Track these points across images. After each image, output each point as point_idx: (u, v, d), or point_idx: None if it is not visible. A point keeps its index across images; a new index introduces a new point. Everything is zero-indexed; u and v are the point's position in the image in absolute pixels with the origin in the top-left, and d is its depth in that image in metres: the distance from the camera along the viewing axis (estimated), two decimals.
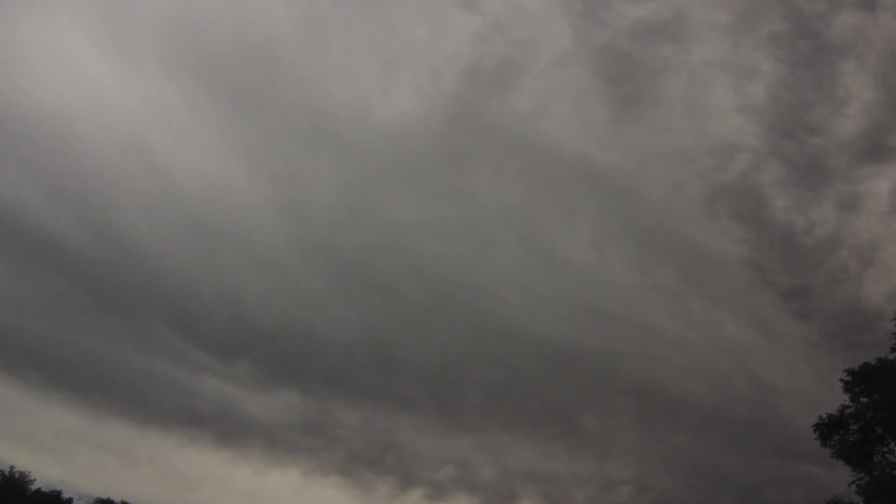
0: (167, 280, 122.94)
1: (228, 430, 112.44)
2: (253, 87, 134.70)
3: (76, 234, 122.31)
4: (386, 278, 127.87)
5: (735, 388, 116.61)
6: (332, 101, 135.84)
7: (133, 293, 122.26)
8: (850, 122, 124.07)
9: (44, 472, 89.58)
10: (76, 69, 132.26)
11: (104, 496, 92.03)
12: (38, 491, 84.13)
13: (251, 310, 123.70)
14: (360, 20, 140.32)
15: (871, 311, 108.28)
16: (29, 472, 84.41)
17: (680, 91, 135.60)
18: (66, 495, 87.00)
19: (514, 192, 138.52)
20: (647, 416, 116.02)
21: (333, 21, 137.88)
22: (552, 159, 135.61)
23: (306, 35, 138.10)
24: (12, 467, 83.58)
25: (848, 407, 36.28)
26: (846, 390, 36.47)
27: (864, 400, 35.89)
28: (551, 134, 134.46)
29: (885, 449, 35.16)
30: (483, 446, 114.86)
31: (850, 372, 36.62)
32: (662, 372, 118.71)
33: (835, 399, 37.35)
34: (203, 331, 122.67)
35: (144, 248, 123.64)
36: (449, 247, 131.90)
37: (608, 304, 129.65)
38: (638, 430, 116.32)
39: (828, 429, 36.57)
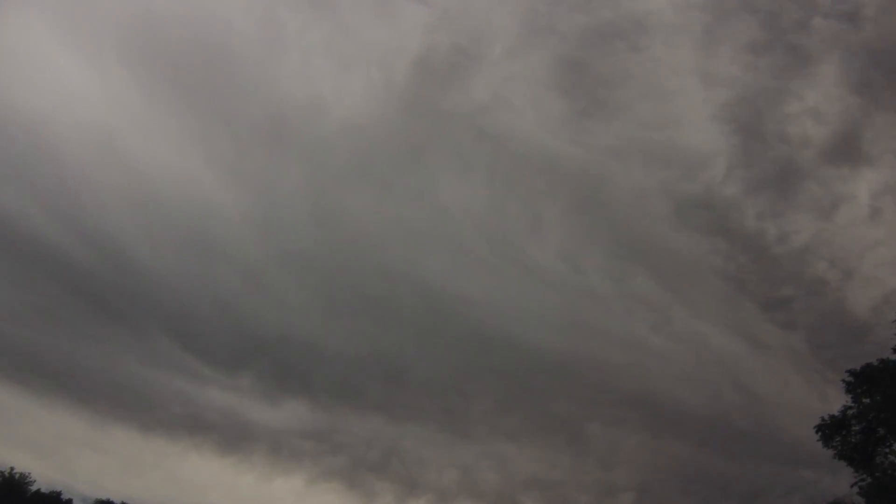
0: (163, 291, 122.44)
1: (233, 436, 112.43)
2: (222, 95, 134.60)
3: (65, 240, 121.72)
4: (365, 292, 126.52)
5: (728, 399, 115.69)
6: (294, 103, 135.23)
7: (130, 303, 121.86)
8: (825, 129, 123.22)
9: (48, 477, 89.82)
10: (52, 74, 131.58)
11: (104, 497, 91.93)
12: (37, 492, 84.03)
13: (249, 322, 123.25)
14: (315, 20, 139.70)
15: (857, 320, 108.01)
16: (29, 474, 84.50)
17: (648, 96, 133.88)
18: (65, 497, 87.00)
19: (479, 195, 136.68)
20: (645, 425, 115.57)
21: (291, 24, 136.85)
22: (515, 156, 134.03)
23: (265, 38, 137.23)
24: (12, 468, 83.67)
25: (850, 408, 36.11)
26: (848, 391, 36.30)
27: (866, 401, 35.75)
28: (512, 127, 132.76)
29: (888, 450, 35.00)
30: (487, 455, 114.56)
31: (852, 373, 36.47)
32: (655, 384, 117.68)
33: (827, 408, 37.38)
34: (204, 343, 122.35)
35: (134, 257, 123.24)
36: (423, 258, 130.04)
37: (590, 316, 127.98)
38: (638, 439, 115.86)
39: (830, 430, 36.37)
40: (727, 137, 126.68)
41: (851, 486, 35.61)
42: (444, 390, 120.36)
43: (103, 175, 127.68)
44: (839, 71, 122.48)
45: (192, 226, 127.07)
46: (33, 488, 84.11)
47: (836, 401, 37.58)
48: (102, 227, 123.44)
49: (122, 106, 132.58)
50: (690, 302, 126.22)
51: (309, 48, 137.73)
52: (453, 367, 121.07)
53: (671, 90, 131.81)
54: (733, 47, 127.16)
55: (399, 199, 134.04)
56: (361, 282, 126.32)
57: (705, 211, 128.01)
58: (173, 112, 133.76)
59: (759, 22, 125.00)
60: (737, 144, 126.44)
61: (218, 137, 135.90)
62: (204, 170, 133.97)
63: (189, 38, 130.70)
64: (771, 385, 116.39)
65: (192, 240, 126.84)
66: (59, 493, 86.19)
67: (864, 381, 35.98)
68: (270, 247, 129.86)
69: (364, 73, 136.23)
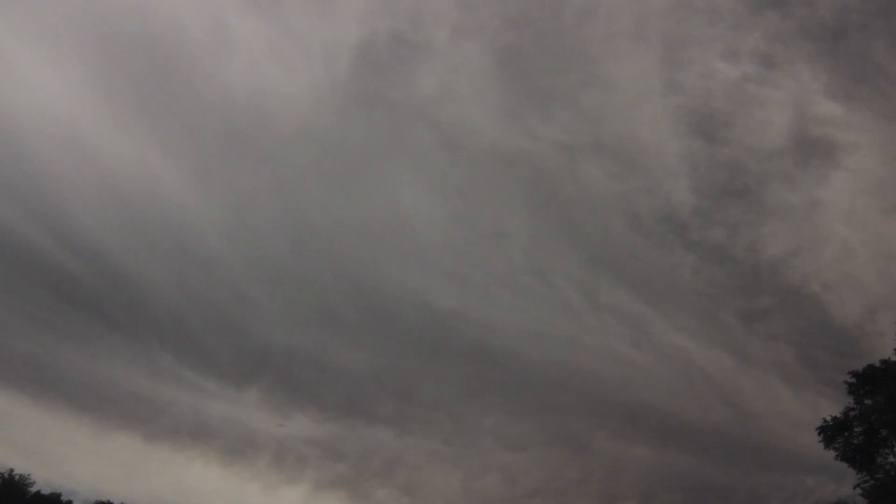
0: (157, 300, 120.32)
1: (237, 444, 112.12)
2: (178, 102, 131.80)
3: (50, 246, 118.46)
4: (355, 305, 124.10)
5: (721, 413, 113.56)
6: (247, 109, 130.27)
7: (127, 314, 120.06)
8: (798, 134, 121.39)
9: (50, 481, 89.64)
10: (12, 70, 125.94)
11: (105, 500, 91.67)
12: (37, 493, 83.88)
13: (247, 335, 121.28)
14: (261, 23, 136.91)
15: (842, 328, 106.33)
16: (29, 475, 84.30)
17: (610, 101, 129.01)
18: (66, 499, 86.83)
19: (438, 202, 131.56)
20: (645, 437, 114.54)
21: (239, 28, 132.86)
22: (472, 154, 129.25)
23: (215, 43, 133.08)
24: (11, 470, 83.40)
25: (852, 409, 36.17)
26: (850, 392, 36.37)
27: (868, 402, 35.80)
28: (463, 120, 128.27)
29: (890, 451, 35.03)
30: (490, 465, 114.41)
31: (854, 374, 36.58)
32: (648, 398, 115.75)
33: (820, 416, 37.26)
34: (205, 355, 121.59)
35: (121, 264, 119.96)
36: (395, 275, 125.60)
37: (572, 331, 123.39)
38: (639, 451, 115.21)
39: (832, 431, 36.44)
40: (689, 143, 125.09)
41: (854, 488, 35.68)
42: (446, 403, 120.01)
43: (76, 174, 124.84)
44: (811, 75, 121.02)
45: (165, 228, 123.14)
46: (33, 490, 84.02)
47: (830, 411, 37.80)
48: (84, 230, 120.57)
49: (82, 104, 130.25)
50: (669, 316, 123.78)
51: (257, 52, 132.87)
52: (450, 379, 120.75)
53: (633, 95, 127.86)
54: (700, 52, 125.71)
55: (361, 205, 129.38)
56: (348, 294, 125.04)
57: (673, 222, 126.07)
58: (134, 116, 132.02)
59: (728, 27, 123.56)
60: (702, 151, 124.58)
61: (179, 141, 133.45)
62: (170, 176, 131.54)
63: (144, 43, 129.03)
64: (763, 398, 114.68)
65: (170, 245, 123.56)
66: (58, 495, 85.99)
67: (866, 382, 36.08)
68: (245, 254, 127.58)
69: (309, 72, 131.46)
